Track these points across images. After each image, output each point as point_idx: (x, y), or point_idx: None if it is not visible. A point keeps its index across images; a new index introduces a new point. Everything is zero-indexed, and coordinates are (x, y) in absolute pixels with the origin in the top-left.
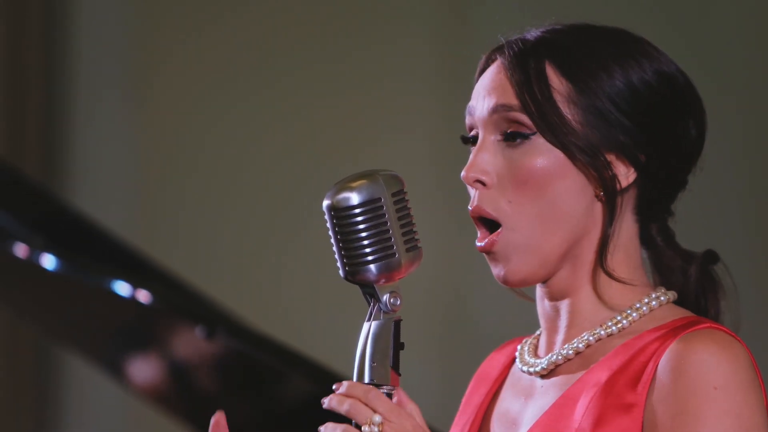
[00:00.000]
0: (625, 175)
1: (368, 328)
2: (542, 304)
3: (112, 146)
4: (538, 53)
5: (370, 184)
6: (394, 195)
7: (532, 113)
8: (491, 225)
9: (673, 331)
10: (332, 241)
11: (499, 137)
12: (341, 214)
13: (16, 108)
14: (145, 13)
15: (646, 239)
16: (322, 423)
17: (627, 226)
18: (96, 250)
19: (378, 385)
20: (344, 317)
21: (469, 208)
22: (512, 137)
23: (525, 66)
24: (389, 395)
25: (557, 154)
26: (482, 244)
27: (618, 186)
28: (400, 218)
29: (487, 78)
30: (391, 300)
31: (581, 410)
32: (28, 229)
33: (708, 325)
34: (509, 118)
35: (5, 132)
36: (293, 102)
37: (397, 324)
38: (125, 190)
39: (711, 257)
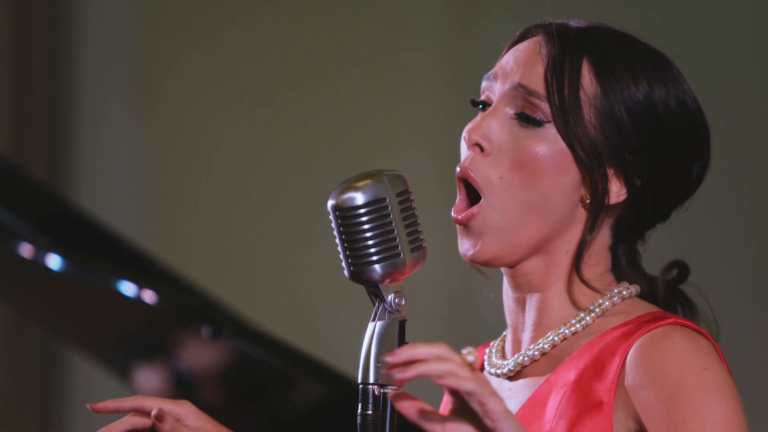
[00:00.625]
0: (617, 193)
1: (373, 328)
2: (508, 298)
3: (118, 146)
4: (579, 45)
5: (374, 184)
6: (398, 195)
7: (553, 103)
8: (472, 194)
9: (637, 326)
10: (337, 241)
11: (512, 112)
12: (346, 214)
13: (22, 108)
14: (151, 15)
15: (613, 256)
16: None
17: (602, 239)
18: (101, 250)
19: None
20: (349, 317)
21: (457, 168)
22: (525, 118)
23: (563, 52)
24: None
25: (562, 149)
26: (460, 216)
27: (606, 201)
28: (404, 218)
29: (520, 50)
30: (396, 300)
31: (552, 411)
32: (33, 229)
33: (673, 320)
34: (529, 100)
35: (11, 132)
36: (299, 110)
37: (402, 324)
38: (130, 189)
39: (680, 273)
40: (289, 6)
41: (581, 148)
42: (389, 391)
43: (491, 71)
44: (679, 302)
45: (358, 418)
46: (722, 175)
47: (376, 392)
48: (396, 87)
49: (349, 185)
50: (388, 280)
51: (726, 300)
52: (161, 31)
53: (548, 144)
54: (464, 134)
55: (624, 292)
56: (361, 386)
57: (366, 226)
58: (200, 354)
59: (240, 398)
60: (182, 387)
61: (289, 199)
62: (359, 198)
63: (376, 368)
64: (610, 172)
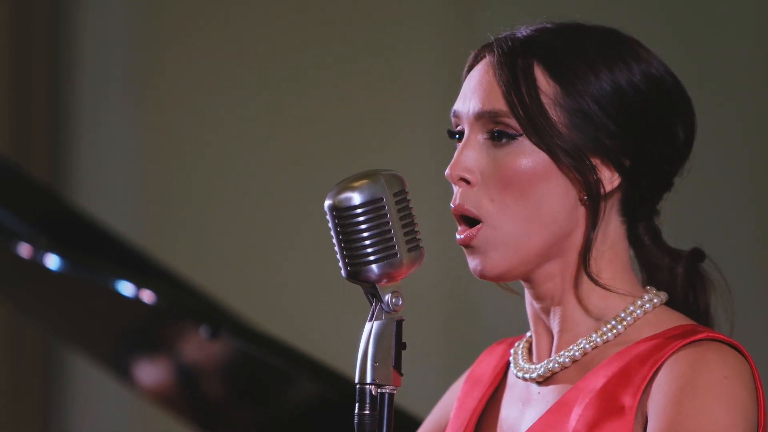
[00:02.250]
0: (610, 179)
1: (370, 328)
2: (531, 307)
3: (117, 146)
4: (527, 53)
5: (371, 184)
6: (395, 195)
7: (519, 116)
8: (472, 222)
9: (669, 339)
10: (334, 241)
11: (485, 136)
12: (343, 214)
13: (21, 108)
14: (151, 14)
15: (633, 239)
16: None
17: (614, 228)
18: (100, 250)
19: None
20: (346, 317)
21: (451, 205)
22: (498, 137)
23: (513, 66)
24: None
25: (542, 157)
26: (461, 237)
27: (602, 190)
28: (401, 218)
29: (474, 78)
30: (393, 300)
31: (575, 416)
32: (32, 229)
33: (706, 334)
34: (496, 121)
35: (11, 132)
36: (298, 104)
37: (399, 324)
38: (130, 190)
39: (697, 254)
40: None
41: (559, 149)
42: (386, 391)
43: (454, 108)
44: (696, 279)
45: (355, 418)
46: (727, 170)
47: (373, 392)
48: (395, 83)
49: (346, 185)
50: (385, 280)
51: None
52: (161, 32)
53: (527, 155)
54: (447, 173)
55: (655, 300)
56: (358, 386)
57: (363, 226)
58: (199, 354)
59: (238, 398)
60: (181, 386)
61: (287, 199)
62: (356, 198)
63: (374, 368)
64: (596, 161)
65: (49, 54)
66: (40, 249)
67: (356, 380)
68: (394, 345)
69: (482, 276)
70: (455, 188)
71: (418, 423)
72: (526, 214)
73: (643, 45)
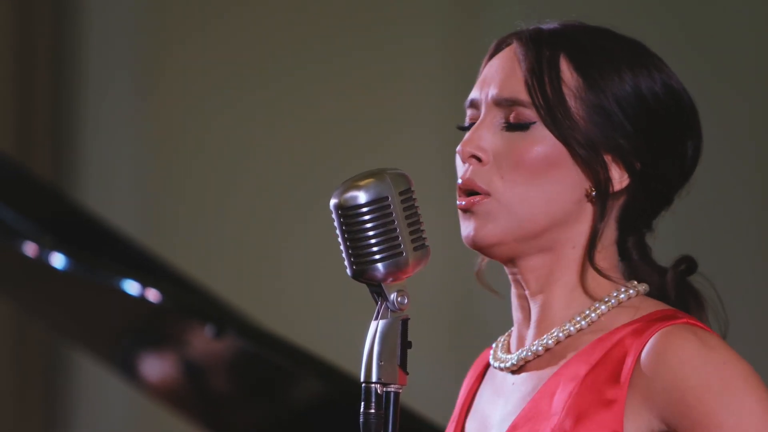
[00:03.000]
0: (619, 179)
1: (376, 327)
2: (515, 296)
3: (121, 145)
4: (555, 44)
5: (377, 183)
6: (401, 194)
7: (538, 103)
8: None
9: (647, 323)
10: (340, 240)
11: (501, 121)
12: (348, 213)
13: (25, 107)
14: (154, 13)
15: (622, 250)
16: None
17: (608, 232)
18: (105, 250)
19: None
20: (352, 316)
21: (459, 180)
22: (514, 124)
23: (539, 53)
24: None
25: (557, 146)
26: (464, 203)
27: (611, 188)
28: (407, 217)
29: (495, 65)
30: (399, 299)
31: (559, 404)
32: (37, 228)
33: (685, 320)
34: (514, 108)
35: (14, 131)
36: (303, 98)
37: (405, 323)
38: (134, 189)
39: (688, 267)
40: None
41: (574, 140)
42: (392, 390)
43: (470, 96)
44: (689, 295)
45: (361, 417)
46: (725, 174)
47: (378, 391)
48: (399, 74)
49: (352, 184)
50: (390, 279)
51: (732, 296)
52: (164, 31)
53: (541, 142)
54: (458, 149)
55: (631, 291)
56: (363, 385)
57: (368, 225)
58: (203, 353)
59: (242, 396)
60: (185, 385)
61: (291, 197)
62: (362, 197)
63: (379, 367)
64: (608, 158)
65: (52, 52)
66: (45, 248)
67: (362, 379)
68: (399, 344)
69: (473, 243)
70: (462, 166)
71: (423, 422)
72: (533, 197)
73: (665, 63)
